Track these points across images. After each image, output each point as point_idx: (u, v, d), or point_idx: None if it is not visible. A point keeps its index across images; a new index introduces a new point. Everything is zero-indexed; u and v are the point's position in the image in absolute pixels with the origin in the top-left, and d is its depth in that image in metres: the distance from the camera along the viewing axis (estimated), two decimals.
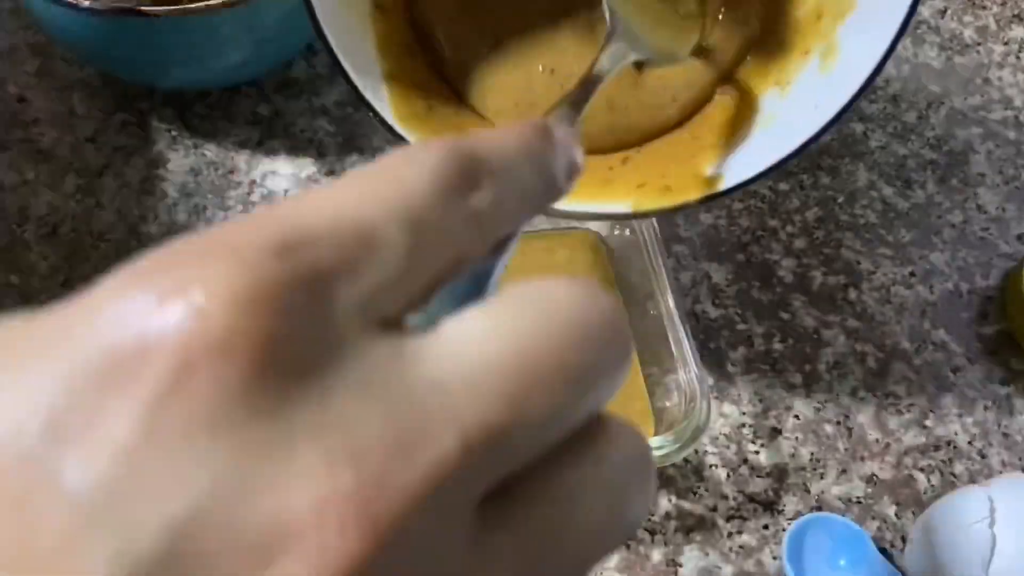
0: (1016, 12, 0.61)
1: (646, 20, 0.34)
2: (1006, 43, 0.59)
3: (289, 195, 0.13)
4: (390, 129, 0.36)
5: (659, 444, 0.37)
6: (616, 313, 0.14)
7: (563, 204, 0.34)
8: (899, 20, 0.30)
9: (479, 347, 0.13)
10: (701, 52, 0.38)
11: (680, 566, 0.39)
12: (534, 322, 0.13)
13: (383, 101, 0.37)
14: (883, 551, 0.40)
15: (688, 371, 0.39)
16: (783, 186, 0.51)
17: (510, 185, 0.16)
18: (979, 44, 0.59)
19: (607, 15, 0.32)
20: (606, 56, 0.31)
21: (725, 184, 0.34)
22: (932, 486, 0.42)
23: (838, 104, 0.32)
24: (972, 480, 0.42)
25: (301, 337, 0.12)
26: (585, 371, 0.13)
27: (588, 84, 0.29)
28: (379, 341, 0.13)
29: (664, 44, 0.35)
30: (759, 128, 0.36)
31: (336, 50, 0.35)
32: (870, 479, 0.42)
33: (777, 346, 0.46)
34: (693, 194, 0.35)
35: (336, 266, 0.13)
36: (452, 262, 0.14)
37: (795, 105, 0.35)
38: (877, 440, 0.43)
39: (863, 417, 0.44)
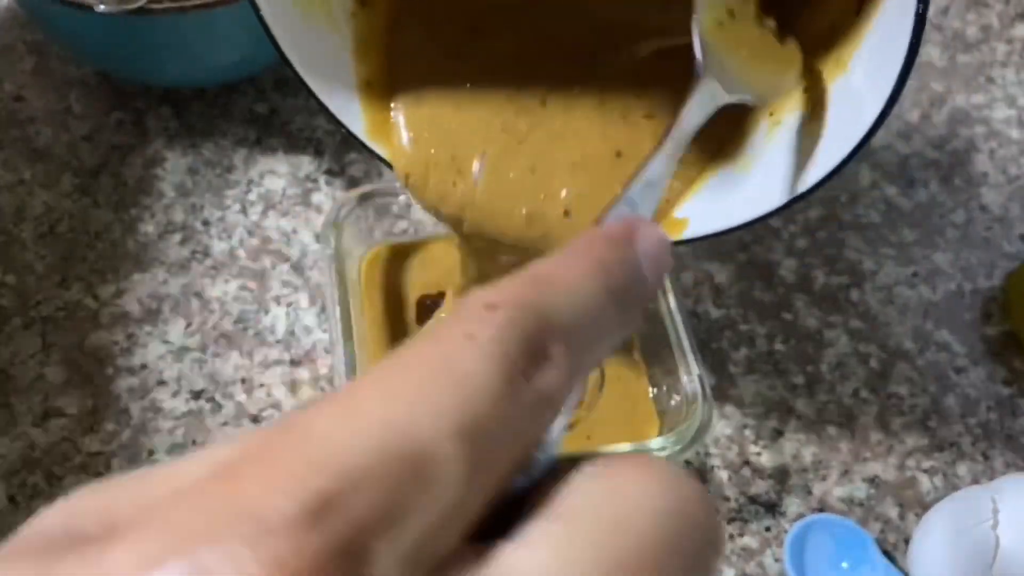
0: (1019, 11, 0.61)
1: (744, 53, 0.28)
2: (1009, 41, 0.59)
3: (324, 403, 0.11)
4: (363, 145, 0.34)
5: (660, 445, 0.37)
6: (711, 517, 0.12)
7: None
8: (885, 94, 0.25)
9: None
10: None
11: None
12: (613, 558, 0.11)
13: (355, 112, 0.34)
14: (886, 553, 0.40)
15: (689, 372, 0.38)
16: None
17: (584, 342, 0.14)
18: (982, 42, 0.59)
19: (697, 51, 0.27)
20: (696, 104, 0.25)
21: (689, 232, 0.32)
22: (935, 487, 0.42)
23: (805, 183, 0.28)
24: (975, 481, 0.42)
25: None
26: None
27: (673, 143, 0.24)
28: None
29: (764, 81, 0.29)
30: (735, 167, 0.32)
31: (297, 64, 0.31)
32: (873, 480, 0.42)
33: (779, 347, 0.45)
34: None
35: (380, 520, 0.11)
36: (518, 462, 0.13)
37: (771, 160, 0.31)
38: (880, 441, 0.43)
39: (866, 418, 0.44)
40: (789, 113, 0.31)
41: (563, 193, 0.34)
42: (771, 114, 0.32)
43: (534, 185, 0.34)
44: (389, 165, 0.34)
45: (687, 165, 0.33)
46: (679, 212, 0.33)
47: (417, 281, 0.44)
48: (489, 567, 0.11)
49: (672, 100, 0.34)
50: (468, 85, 0.34)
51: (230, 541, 0.10)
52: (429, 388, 0.12)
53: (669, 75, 0.33)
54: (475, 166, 0.34)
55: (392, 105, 0.34)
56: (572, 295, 0.14)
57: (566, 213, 0.33)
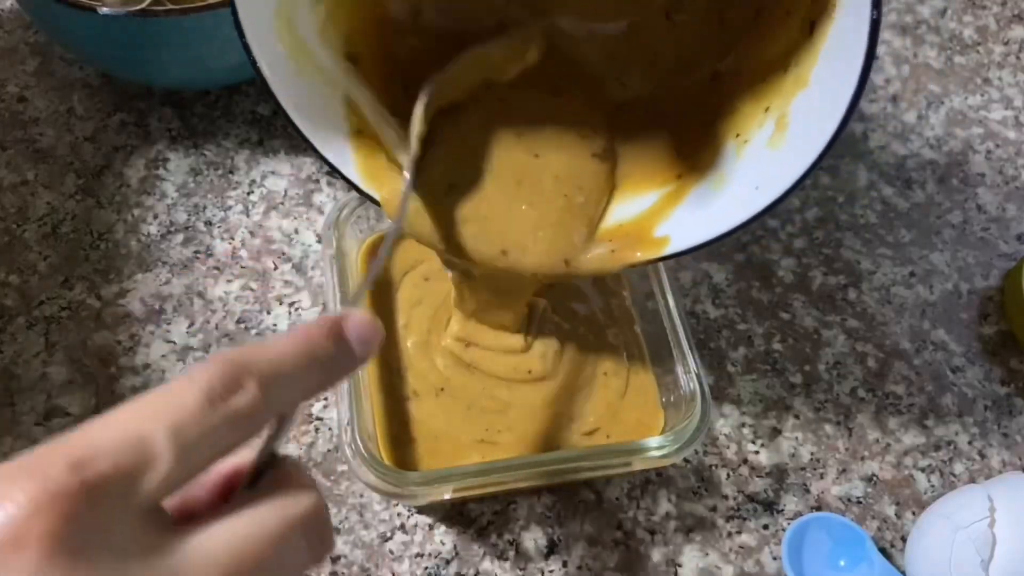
0: (1016, 12, 0.61)
1: None
2: (1006, 43, 0.59)
3: (91, 420, 0.19)
4: (357, 188, 0.36)
5: (659, 444, 0.37)
6: (319, 518, 0.21)
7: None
8: (846, 102, 0.27)
9: (212, 549, 0.19)
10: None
11: (680, 566, 0.39)
12: (255, 531, 0.20)
13: (347, 157, 0.35)
14: (883, 551, 0.40)
15: (688, 371, 0.39)
16: None
17: (277, 383, 0.21)
18: (979, 44, 0.59)
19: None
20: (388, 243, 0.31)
21: (671, 248, 0.34)
22: (932, 486, 0.42)
23: (777, 189, 0.30)
24: (972, 480, 0.42)
25: (79, 531, 0.17)
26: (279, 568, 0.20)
27: (371, 278, 0.30)
28: (144, 535, 0.19)
29: None
30: (710, 185, 0.34)
31: (296, 119, 0.33)
32: (870, 479, 0.42)
33: (777, 346, 0.46)
34: (641, 255, 0.35)
35: (115, 474, 0.18)
36: (220, 451, 0.20)
37: (743, 175, 0.33)
38: (877, 440, 0.43)
39: (863, 417, 0.44)
40: (755, 131, 0.32)
41: (526, 233, 0.36)
42: (737, 135, 0.33)
43: (507, 225, 0.36)
44: (377, 203, 0.36)
45: (663, 187, 0.35)
46: (659, 231, 0.34)
47: (403, 261, 0.44)
48: (190, 530, 0.20)
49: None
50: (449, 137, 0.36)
51: (21, 478, 0.17)
52: (155, 406, 0.19)
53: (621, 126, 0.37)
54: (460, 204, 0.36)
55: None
56: (272, 354, 0.21)
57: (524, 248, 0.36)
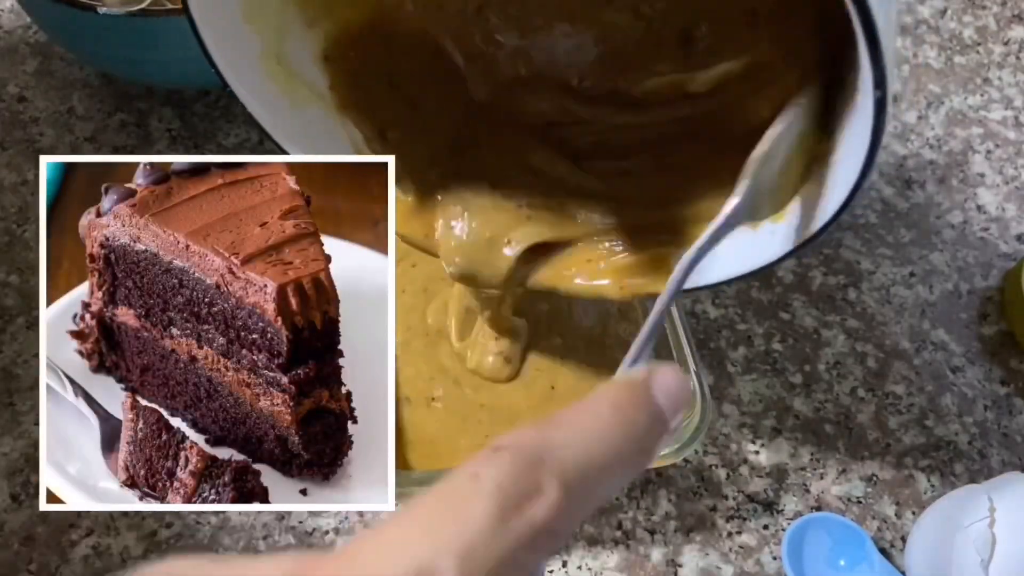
0: (1016, 12, 0.61)
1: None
2: (1006, 43, 0.59)
3: (366, 536, 0.15)
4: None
5: None
6: None
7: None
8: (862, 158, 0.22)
9: None
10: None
11: (680, 566, 0.39)
12: None
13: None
14: (883, 551, 0.40)
15: (688, 371, 0.39)
16: None
17: (584, 482, 0.16)
18: (979, 44, 0.59)
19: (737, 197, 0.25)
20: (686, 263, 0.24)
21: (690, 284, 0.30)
22: (932, 486, 0.42)
23: (801, 235, 0.26)
24: (972, 480, 0.42)
25: None
26: None
27: (662, 307, 0.23)
28: None
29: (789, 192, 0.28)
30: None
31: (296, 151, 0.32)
32: (870, 479, 0.42)
33: (777, 346, 0.46)
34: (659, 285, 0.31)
35: None
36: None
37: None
38: (877, 440, 0.43)
39: (863, 417, 0.44)
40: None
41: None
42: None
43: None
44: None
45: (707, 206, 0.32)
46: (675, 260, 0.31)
47: (398, 251, 0.44)
48: None
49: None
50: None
51: None
52: (437, 522, 0.15)
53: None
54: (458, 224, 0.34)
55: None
56: (576, 435, 0.16)
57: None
